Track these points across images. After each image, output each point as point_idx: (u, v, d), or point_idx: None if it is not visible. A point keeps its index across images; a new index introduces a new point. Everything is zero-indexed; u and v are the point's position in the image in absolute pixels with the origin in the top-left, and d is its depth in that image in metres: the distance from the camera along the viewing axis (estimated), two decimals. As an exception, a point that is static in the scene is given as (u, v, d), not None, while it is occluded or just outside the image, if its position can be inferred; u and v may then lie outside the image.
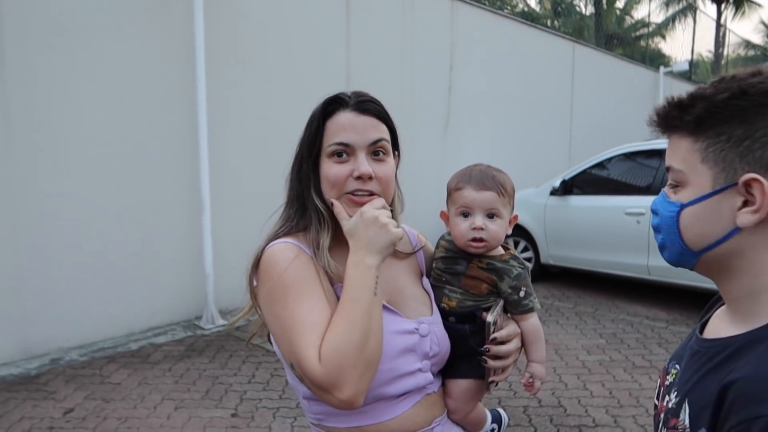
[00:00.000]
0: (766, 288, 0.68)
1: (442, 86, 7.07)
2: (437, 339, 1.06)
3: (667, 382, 0.82)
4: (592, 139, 9.65)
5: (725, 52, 21.78)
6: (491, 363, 1.07)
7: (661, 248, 0.78)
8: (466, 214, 1.12)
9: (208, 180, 4.52)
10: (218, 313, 4.60)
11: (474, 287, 1.11)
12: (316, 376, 0.86)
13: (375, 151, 1.00)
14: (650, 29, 17.72)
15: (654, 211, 0.78)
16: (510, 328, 1.10)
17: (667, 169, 0.76)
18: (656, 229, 0.78)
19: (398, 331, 1.00)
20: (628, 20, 18.29)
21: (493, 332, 1.06)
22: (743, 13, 21.92)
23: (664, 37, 19.73)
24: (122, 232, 4.22)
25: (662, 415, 0.78)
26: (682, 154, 0.73)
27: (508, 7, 14.45)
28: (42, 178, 3.81)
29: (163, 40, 4.36)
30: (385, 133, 1.02)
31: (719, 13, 21.28)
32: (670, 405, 0.76)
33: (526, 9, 16.65)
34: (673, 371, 0.81)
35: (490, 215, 1.11)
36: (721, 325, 0.76)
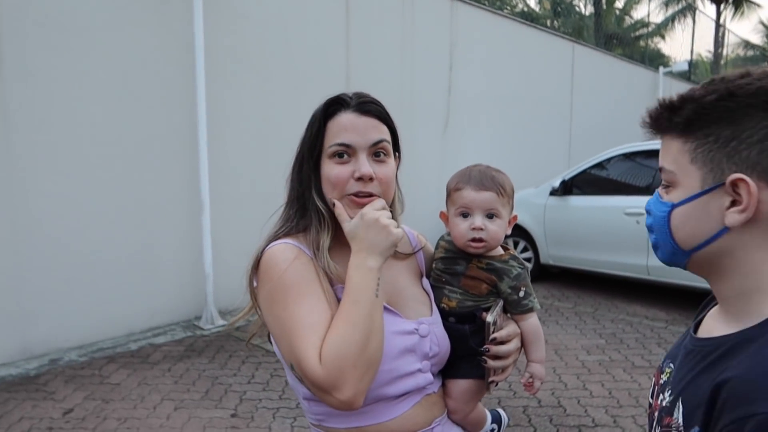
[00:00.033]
0: (757, 287, 0.69)
1: (441, 86, 7.07)
2: (437, 339, 1.06)
3: (661, 381, 0.82)
4: (592, 140, 9.66)
5: (724, 52, 21.79)
6: (491, 363, 1.07)
7: (655, 247, 0.80)
8: (465, 215, 1.12)
9: (208, 180, 4.52)
10: (218, 314, 4.60)
11: (474, 287, 1.12)
12: (316, 377, 0.86)
13: (376, 152, 1.00)
14: (650, 29, 17.75)
15: (648, 211, 0.80)
16: (510, 328, 1.11)
17: (660, 169, 0.77)
18: (649, 228, 0.79)
19: (398, 332, 1.00)
20: (628, 20, 18.32)
21: (493, 332, 1.07)
22: (742, 13, 21.94)
23: (663, 37, 19.77)
24: (122, 232, 4.22)
25: (656, 414, 0.79)
26: (673, 154, 0.74)
27: (508, 8, 14.46)
28: (41, 178, 3.81)
29: (163, 39, 4.36)
30: (386, 135, 1.02)
31: (718, 14, 21.29)
32: (664, 403, 0.77)
33: (525, 9, 16.67)
34: (668, 370, 0.82)
35: (490, 215, 1.11)
36: (714, 325, 0.77)
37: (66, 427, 2.93)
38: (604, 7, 16.22)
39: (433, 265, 1.18)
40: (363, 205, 0.98)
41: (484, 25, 7.67)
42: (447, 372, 1.11)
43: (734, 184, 0.67)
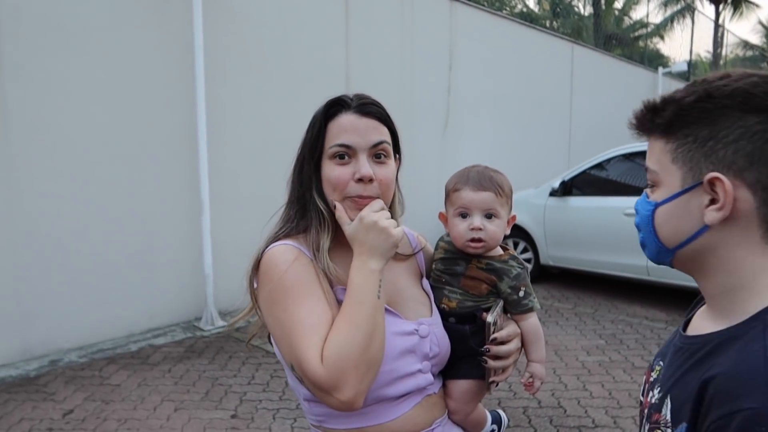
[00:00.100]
0: (741, 285, 0.71)
1: (441, 87, 7.08)
2: (437, 340, 1.06)
3: (651, 379, 0.84)
4: (591, 140, 9.67)
5: (723, 53, 21.82)
6: (491, 363, 1.07)
7: (642, 246, 0.82)
8: (464, 215, 1.12)
9: (208, 181, 4.52)
10: (218, 315, 4.60)
11: (473, 288, 1.12)
12: (317, 378, 0.86)
13: (376, 153, 1.01)
14: (649, 30, 17.78)
15: (636, 211, 0.82)
16: (510, 329, 1.11)
17: (646, 169, 0.80)
18: (637, 227, 0.82)
19: (398, 333, 1.00)
20: (627, 21, 18.33)
21: (493, 332, 1.07)
22: (741, 13, 21.98)
23: (662, 37, 19.78)
24: (121, 233, 4.22)
25: (646, 411, 0.81)
26: (656, 155, 0.77)
27: (507, 8, 14.48)
28: (41, 179, 3.81)
29: (162, 40, 4.36)
30: (386, 136, 1.03)
31: (717, 14, 21.33)
32: (653, 400, 0.78)
33: (524, 10, 16.68)
34: (657, 368, 0.83)
35: (488, 216, 1.12)
36: (702, 323, 0.78)
37: (66, 428, 2.93)
38: (603, 7, 16.22)
39: (433, 266, 1.18)
40: (364, 207, 0.98)
41: (483, 25, 7.68)
42: (447, 372, 1.11)
43: (711, 182, 0.69)
